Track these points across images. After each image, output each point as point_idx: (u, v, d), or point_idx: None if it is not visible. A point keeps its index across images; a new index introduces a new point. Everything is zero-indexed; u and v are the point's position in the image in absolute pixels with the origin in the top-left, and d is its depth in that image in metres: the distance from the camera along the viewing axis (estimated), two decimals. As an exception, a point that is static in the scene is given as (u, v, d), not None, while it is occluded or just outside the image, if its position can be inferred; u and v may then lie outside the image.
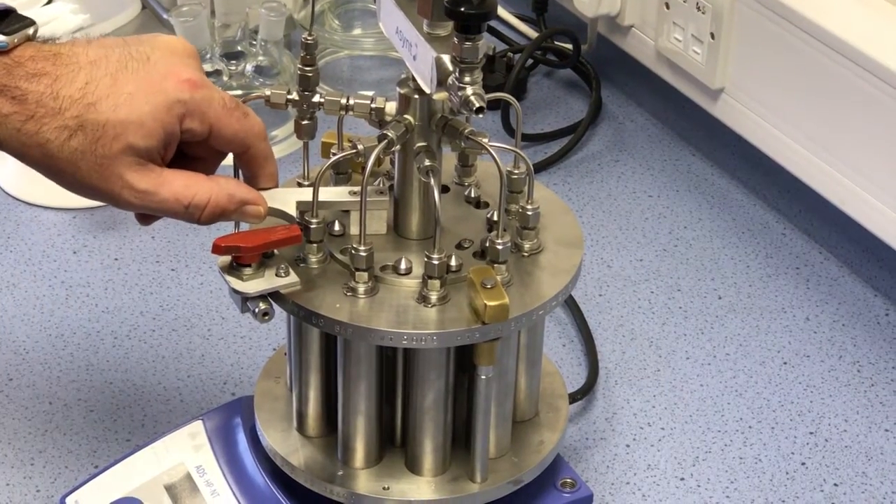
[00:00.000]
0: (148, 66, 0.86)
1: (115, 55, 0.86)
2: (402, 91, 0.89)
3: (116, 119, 0.84)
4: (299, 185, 0.96)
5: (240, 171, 0.92)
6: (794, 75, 1.23)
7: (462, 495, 0.94)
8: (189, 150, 0.90)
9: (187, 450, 0.99)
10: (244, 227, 0.93)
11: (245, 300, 0.89)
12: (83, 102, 0.84)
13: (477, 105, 0.81)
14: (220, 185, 0.88)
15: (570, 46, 1.48)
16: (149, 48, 0.87)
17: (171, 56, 0.87)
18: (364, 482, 0.94)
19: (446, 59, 0.83)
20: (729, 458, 1.09)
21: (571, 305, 1.21)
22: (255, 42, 1.42)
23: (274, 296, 0.89)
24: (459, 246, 0.93)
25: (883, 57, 1.14)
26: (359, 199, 0.88)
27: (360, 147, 0.91)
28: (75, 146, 0.84)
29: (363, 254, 0.88)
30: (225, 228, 0.92)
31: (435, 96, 0.87)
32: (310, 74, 0.93)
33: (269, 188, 0.91)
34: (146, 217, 0.92)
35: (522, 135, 0.97)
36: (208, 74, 1.38)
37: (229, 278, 0.89)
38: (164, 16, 1.48)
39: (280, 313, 0.91)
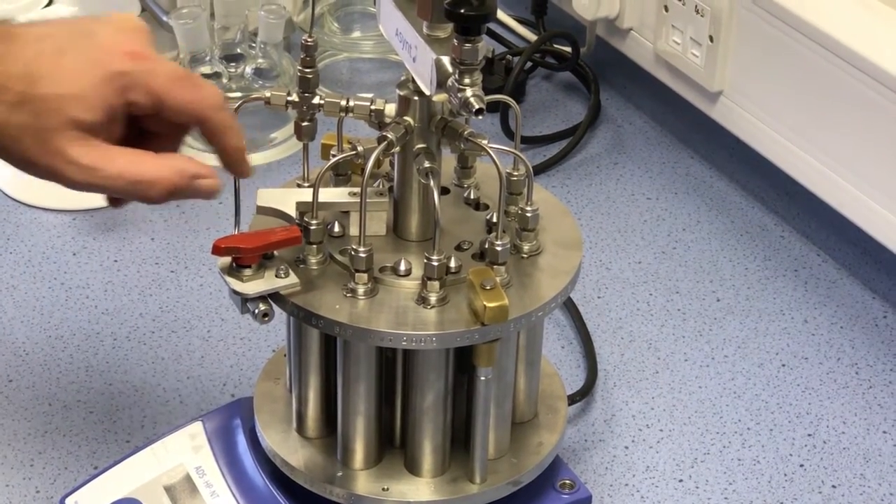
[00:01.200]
0: (92, 40, 0.86)
1: (63, 32, 0.86)
2: (401, 93, 0.89)
3: (58, 93, 0.84)
4: (299, 186, 0.97)
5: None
6: (792, 78, 1.23)
7: (461, 496, 0.94)
8: (146, 125, 0.89)
9: (187, 451, 0.99)
10: (244, 228, 0.93)
11: (245, 301, 0.89)
12: (27, 79, 0.84)
13: (477, 107, 0.82)
14: (170, 161, 0.87)
15: (569, 49, 1.48)
16: (96, 25, 0.87)
17: (116, 32, 0.87)
18: (363, 483, 0.94)
19: (446, 60, 0.83)
20: (727, 459, 1.09)
21: (570, 307, 1.21)
22: (254, 44, 1.42)
23: (274, 297, 0.89)
24: (459, 247, 0.93)
25: (881, 60, 1.14)
26: (358, 200, 0.88)
27: (359, 149, 0.91)
28: (19, 121, 0.84)
29: (363, 255, 0.88)
30: (224, 230, 0.92)
31: (434, 98, 0.87)
32: (309, 76, 0.93)
33: (243, 175, 0.90)
34: (115, 199, 0.92)
35: (521, 137, 0.97)
36: (207, 76, 1.39)
37: (229, 279, 0.89)
38: (164, 18, 1.48)
39: (280, 314, 0.91)
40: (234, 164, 0.90)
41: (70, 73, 0.84)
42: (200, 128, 0.89)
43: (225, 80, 1.40)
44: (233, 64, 1.41)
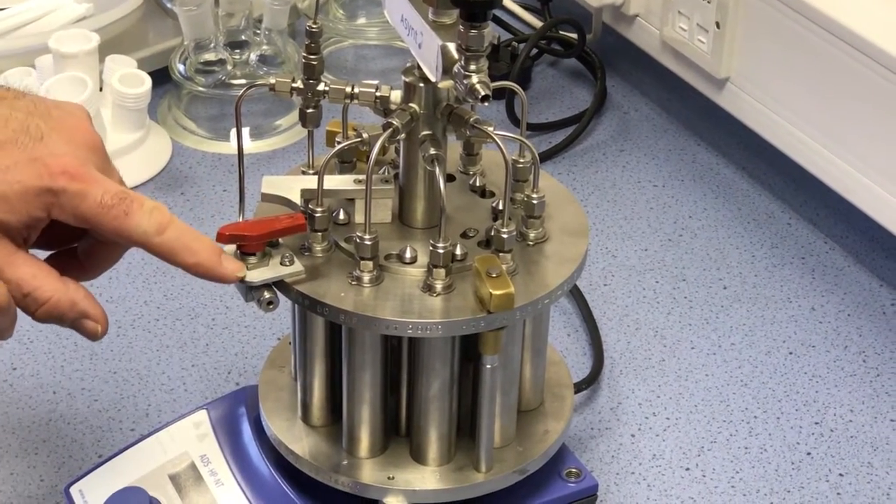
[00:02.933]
0: (38, 146, 0.83)
1: (15, 123, 0.84)
2: (407, 79, 0.89)
3: None
4: (304, 173, 0.96)
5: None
6: (799, 65, 1.23)
7: (467, 485, 0.94)
8: (92, 233, 0.88)
9: (191, 439, 0.99)
10: (248, 216, 0.93)
11: (249, 289, 0.89)
12: None
13: (483, 93, 0.81)
14: (68, 289, 0.85)
15: (574, 36, 1.47)
16: (48, 128, 0.85)
17: (65, 143, 0.85)
18: (369, 472, 0.94)
19: (452, 47, 0.83)
20: (734, 448, 1.08)
21: (576, 295, 1.21)
22: (259, 31, 1.42)
23: (278, 285, 0.89)
24: (464, 235, 0.92)
25: (889, 45, 1.14)
26: (364, 187, 0.88)
27: (364, 135, 0.90)
28: None
29: (368, 242, 0.88)
30: (229, 217, 0.92)
31: (440, 84, 0.86)
32: (314, 63, 0.92)
33: (222, 281, 0.88)
34: None
35: (527, 124, 0.96)
36: (212, 64, 1.39)
37: (234, 267, 0.89)
38: (168, 5, 1.47)
39: (284, 302, 0.90)
40: (204, 277, 0.87)
41: (3, 172, 0.82)
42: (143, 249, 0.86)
43: (229, 67, 1.40)
44: (237, 51, 1.41)
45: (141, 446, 0.99)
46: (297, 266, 0.89)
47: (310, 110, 0.94)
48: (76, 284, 0.86)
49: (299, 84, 0.93)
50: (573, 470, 0.99)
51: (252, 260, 0.89)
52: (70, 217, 0.84)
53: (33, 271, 0.84)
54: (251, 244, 0.88)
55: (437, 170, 0.87)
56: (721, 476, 1.06)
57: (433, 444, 0.94)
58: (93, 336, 0.87)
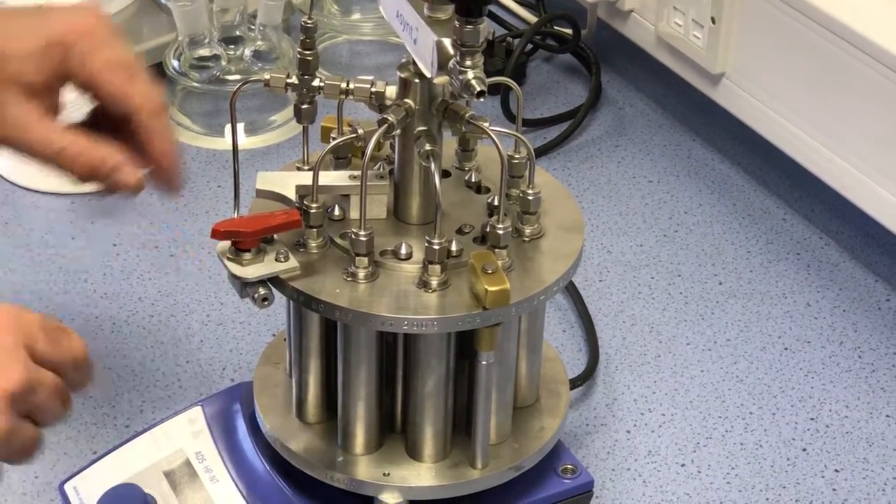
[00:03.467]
0: (44, 13, 0.88)
1: (27, 8, 0.88)
2: (402, 75, 0.89)
3: (3, 49, 0.85)
4: (299, 169, 0.96)
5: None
6: (795, 60, 1.23)
7: (463, 481, 0.94)
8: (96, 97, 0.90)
9: (186, 436, 0.99)
10: (243, 212, 0.93)
11: (244, 285, 0.89)
12: None
13: (478, 89, 0.81)
14: (99, 147, 0.87)
15: (569, 31, 1.47)
16: (55, 5, 0.89)
17: (73, 10, 0.88)
18: (364, 468, 0.94)
19: (447, 42, 0.83)
20: (730, 444, 1.08)
21: (572, 291, 1.20)
22: (253, 27, 1.41)
23: (273, 281, 0.89)
24: (460, 231, 0.92)
25: (884, 41, 1.14)
26: (359, 183, 0.88)
27: (360, 131, 0.90)
28: None
29: (363, 238, 0.87)
30: (224, 213, 0.91)
31: (436, 80, 0.86)
32: (309, 58, 0.92)
33: (169, 190, 0.90)
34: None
35: (522, 120, 0.96)
36: (206, 59, 1.38)
37: (228, 263, 0.89)
38: (162, 0, 1.47)
39: (280, 298, 0.90)
40: (161, 172, 0.90)
41: (15, 34, 0.85)
42: (131, 126, 0.88)
43: (224, 63, 1.39)
44: (232, 46, 1.41)
45: (136, 443, 0.99)
46: (292, 262, 0.89)
47: (305, 106, 0.94)
48: (107, 145, 0.88)
49: (294, 80, 0.92)
50: (569, 466, 0.99)
51: (247, 256, 0.89)
52: (77, 67, 0.86)
53: (65, 130, 0.87)
54: (246, 240, 0.88)
55: (433, 166, 0.87)
56: (716, 472, 1.06)
57: (429, 441, 0.94)
58: (129, 186, 0.88)
